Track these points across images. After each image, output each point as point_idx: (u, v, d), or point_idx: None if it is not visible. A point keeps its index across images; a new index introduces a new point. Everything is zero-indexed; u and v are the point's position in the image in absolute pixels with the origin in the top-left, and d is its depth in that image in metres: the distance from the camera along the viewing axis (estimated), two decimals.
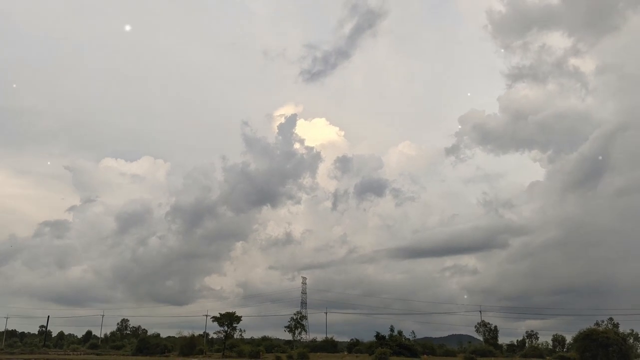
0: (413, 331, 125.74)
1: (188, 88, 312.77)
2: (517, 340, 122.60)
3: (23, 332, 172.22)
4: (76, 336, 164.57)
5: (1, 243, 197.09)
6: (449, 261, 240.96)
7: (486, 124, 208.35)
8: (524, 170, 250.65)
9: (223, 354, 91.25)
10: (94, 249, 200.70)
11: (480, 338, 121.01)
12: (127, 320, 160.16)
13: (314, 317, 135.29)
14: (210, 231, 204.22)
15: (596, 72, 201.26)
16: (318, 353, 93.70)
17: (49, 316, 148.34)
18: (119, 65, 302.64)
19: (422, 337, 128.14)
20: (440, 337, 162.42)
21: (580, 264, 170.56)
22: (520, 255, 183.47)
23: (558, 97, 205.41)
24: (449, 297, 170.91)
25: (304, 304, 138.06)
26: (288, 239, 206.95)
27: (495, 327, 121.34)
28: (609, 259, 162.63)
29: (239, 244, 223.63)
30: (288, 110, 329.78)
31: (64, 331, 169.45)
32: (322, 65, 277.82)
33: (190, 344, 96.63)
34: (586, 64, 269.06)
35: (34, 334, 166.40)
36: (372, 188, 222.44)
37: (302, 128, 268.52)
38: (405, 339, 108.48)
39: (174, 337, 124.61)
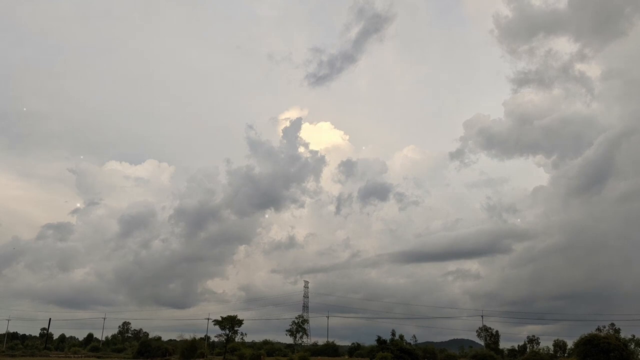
0: (414, 335, 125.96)
1: (193, 91, 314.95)
2: (519, 345, 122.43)
3: (24, 335, 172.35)
4: (77, 339, 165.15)
5: (4, 245, 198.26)
6: (451, 266, 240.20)
7: (491, 128, 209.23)
8: (528, 175, 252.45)
9: (224, 357, 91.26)
10: (96, 251, 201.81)
11: (482, 343, 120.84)
12: (129, 323, 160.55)
13: (315, 321, 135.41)
14: (213, 234, 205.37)
15: (602, 78, 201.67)
16: (319, 357, 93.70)
17: (50, 319, 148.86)
18: (123, 68, 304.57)
19: (423, 341, 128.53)
20: (442, 342, 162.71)
21: (582, 270, 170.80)
22: (523, 260, 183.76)
23: (563, 102, 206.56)
24: (451, 302, 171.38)
25: (305, 307, 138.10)
26: (291, 243, 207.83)
27: (497, 332, 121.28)
28: (612, 264, 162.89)
29: (242, 248, 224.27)
30: (293, 114, 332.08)
31: (65, 334, 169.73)
32: (327, 69, 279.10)
33: (192, 347, 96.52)
34: (592, 69, 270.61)
35: (35, 337, 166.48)
36: (376, 192, 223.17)
37: (307, 132, 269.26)
38: (407, 343, 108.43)
39: (175, 340, 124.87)
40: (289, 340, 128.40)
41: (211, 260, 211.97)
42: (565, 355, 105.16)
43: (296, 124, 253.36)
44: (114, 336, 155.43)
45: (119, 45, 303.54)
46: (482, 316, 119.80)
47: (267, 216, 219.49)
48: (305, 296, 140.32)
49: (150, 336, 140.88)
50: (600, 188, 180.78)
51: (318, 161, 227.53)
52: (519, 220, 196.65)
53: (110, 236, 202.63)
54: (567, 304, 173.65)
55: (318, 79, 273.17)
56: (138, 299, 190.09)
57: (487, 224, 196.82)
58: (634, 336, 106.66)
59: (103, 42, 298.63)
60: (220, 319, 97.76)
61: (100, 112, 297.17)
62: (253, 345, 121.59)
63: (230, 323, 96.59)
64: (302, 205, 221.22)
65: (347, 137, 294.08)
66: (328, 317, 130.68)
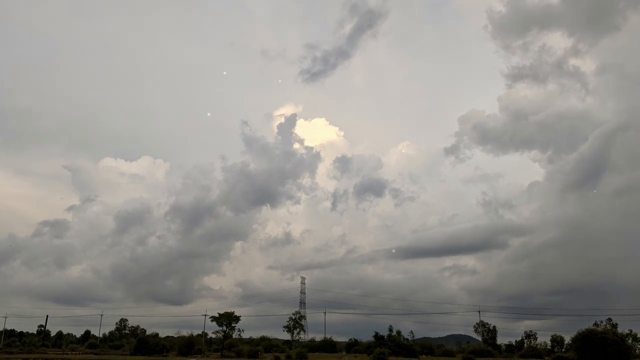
0: (412, 331, 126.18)
1: (187, 88, 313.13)
2: (516, 341, 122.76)
3: (22, 332, 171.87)
4: (75, 336, 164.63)
5: (0, 242, 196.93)
6: (448, 261, 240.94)
7: (486, 124, 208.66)
8: (524, 170, 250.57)
9: (222, 353, 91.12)
10: (93, 248, 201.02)
11: (479, 338, 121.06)
12: (126, 320, 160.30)
13: (312, 317, 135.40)
14: (209, 231, 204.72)
15: (596, 72, 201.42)
16: (317, 353, 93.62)
17: (47, 316, 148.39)
18: (117, 65, 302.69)
19: (420, 337, 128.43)
20: (439, 337, 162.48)
21: (579, 265, 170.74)
22: (520, 255, 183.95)
23: (558, 97, 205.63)
24: (448, 297, 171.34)
25: (302, 304, 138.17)
26: (287, 239, 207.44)
27: (494, 327, 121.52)
28: (608, 259, 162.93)
29: (238, 244, 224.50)
30: (288, 110, 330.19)
31: (63, 331, 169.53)
32: (321, 65, 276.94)
33: (189, 344, 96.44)
34: (586, 64, 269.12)
35: (32, 334, 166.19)
36: (372, 188, 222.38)
37: (302, 128, 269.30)
38: (404, 339, 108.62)
39: (172, 336, 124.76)
40: (286, 336, 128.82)
41: (208, 257, 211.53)
42: (563, 350, 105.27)
43: (291, 120, 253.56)
44: (111, 333, 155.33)
45: (113, 42, 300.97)
46: (479, 312, 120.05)
47: (262, 212, 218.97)
48: (302, 292, 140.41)
49: (147, 333, 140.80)
50: (596, 183, 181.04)
51: (313, 157, 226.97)
52: (514, 215, 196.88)
53: (106, 233, 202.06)
54: (564, 299, 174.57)
55: (312, 75, 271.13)
56: (135, 296, 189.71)
57: (483, 220, 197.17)
58: (631, 331, 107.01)
59: (96, 39, 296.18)
60: (217, 315, 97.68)
61: (95, 108, 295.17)
62: (250, 341, 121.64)
63: (227, 319, 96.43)
64: (297, 202, 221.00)
65: (342, 133, 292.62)
66: (325, 313, 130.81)
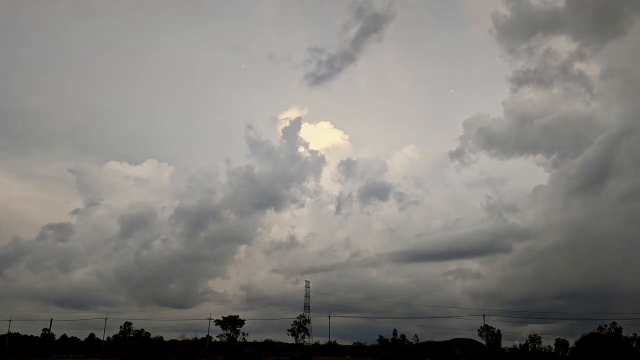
0: (416, 335, 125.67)
1: (193, 91, 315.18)
2: (520, 345, 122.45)
3: (26, 335, 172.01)
4: (79, 339, 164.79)
5: (5, 246, 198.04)
6: (452, 265, 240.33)
7: (491, 128, 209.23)
8: (528, 174, 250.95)
9: (226, 357, 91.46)
10: (97, 252, 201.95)
11: (483, 342, 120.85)
12: (130, 324, 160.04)
13: (317, 321, 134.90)
14: (213, 234, 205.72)
15: (601, 77, 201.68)
16: (320, 356, 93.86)
17: (52, 319, 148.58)
18: (122, 68, 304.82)
19: (425, 340, 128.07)
20: (443, 341, 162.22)
21: (583, 269, 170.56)
22: (524, 259, 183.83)
23: (563, 101, 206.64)
24: (452, 301, 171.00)
25: (307, 307, 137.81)
26: (292, 243, 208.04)
27: (498, 331, 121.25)
28: (613, 263, 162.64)
29: (242, 248, 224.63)
30: (293, 113, 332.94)
31: (67, 334, 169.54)
32: (327, 69, 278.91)
33: (194, 347, 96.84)
34: (591, 68, 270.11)
35: (36, 337, 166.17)
36: (376, 192, 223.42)
37: (307, 131, 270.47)
38: (408, 342, 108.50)
39: (177, 340, 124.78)
40: (290, 340, 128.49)
41: (212, 260, 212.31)
42: (567, 354, 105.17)
43: (296, 124, 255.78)
44: (115, 336, 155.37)
45: (119, 45, 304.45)
46: (483, 315, 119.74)
47: (267, 216, 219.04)
48: (307, 296, 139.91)
49: (152, 336, 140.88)
50: (600, 187, 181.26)
51: (318, 161, 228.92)
52: (519, 219, 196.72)
53: (110, 236, 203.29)
54: (569, 303, 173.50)
55: (317, 79, 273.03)
56: (139, 299, 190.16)
57: (488, 224, 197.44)
58: (635, 335, 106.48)
59: (102, 42, 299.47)
60: (221, 319, 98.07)
61: (100, 112, 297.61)
62: (255, 345, 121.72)
63: (231, 323, 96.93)
64: (302, 205, 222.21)
65: (347, 136, 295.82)
66: (329, 316, 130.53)
